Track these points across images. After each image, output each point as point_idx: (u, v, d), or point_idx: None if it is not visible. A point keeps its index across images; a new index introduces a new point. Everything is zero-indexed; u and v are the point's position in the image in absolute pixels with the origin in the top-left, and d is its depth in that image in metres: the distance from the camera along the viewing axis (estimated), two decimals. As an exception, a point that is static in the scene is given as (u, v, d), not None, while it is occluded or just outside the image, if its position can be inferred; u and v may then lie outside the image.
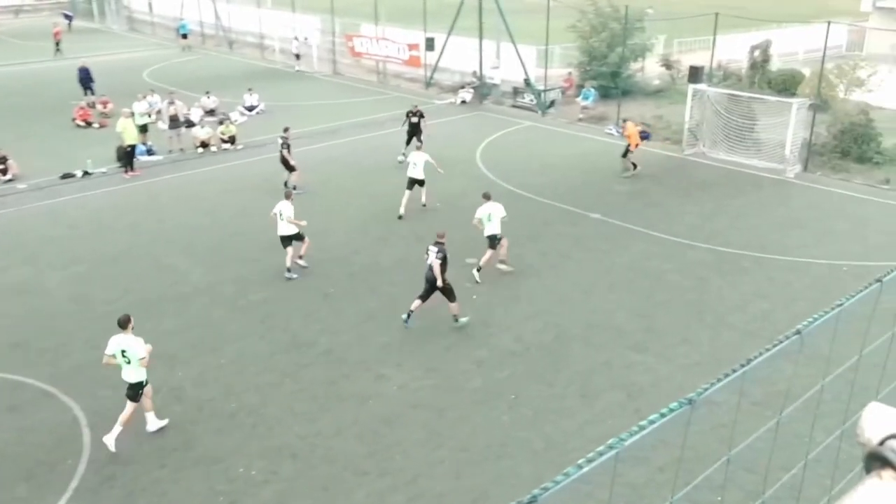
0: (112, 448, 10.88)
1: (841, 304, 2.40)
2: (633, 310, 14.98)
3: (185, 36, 45.42)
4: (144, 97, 27.15)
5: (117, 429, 10.93)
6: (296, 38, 39.23)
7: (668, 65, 33.78)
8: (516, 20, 31.77)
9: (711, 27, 26.43)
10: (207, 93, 30.43)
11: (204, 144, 25.62)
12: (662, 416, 1.89)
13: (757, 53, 30.34)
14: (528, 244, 18.00)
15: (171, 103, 26.00)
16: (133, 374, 10.92)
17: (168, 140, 25.41)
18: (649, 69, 34.13)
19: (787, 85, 29.24)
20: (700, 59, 29.06)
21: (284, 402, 12.17)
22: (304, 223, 16.22)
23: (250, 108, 30.56)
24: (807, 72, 29.98)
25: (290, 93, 34.18)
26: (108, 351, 10.81)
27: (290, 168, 21.40)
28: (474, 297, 15.47)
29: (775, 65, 31.47)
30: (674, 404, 1.93)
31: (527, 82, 31.15)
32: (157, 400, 11.90)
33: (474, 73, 33.19)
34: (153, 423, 11.38)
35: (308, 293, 15.72)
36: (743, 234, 18.66)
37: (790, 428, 9.34)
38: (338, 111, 30.69)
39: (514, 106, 31.50)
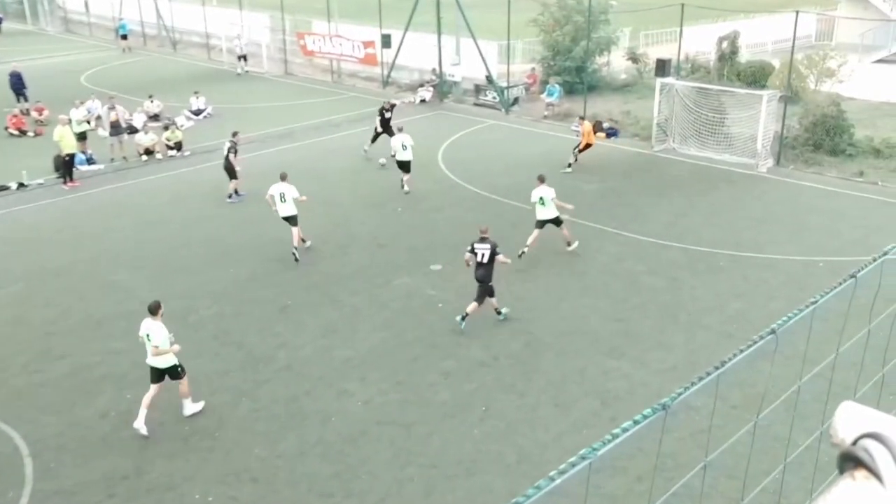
0: (200, 407, 12.22)
1: (815, 302, 2.45)
2: (606, 314, 15.11)
3: (124, 37, 44.85)
4: (83, 103, 26.76)
5: (186, 401, 12.10)
6: (238, 38, 38.99)
7: (634, 58, 34.18)
8: (476, 14, 31.93)
9: (678, 19, 26.82)
10: (151, 97, 30.09)
11: (148, 152, 25.32)
12: (636, 423, 1.91)
13: (725, 45, 30.87)
14: (494, 248, 18.04)
15: (112, 109, 25.65)
16: (158, 359, 11.82)
17: (109, 148, 25.07)
18: (615, 63, 34.50)
19: (756, 77, 29.81)
20: (667, 51, 29.48)
21: (242, 423, 12.05)
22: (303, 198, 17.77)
23: (197, 112, 30.28)
24: (776, 63, 30.57)
25: (239, 95, 33.94)
26: (140, 332, 11.94)
27: (233, 175, 21.18)
28: (440, 305, 15.48)
29: (744, 56, 32.05)
30: (647, 410, 1.95)
31: (489, 79, 31.30)
32: (105, 424, 11.70)
33: (433, 70, 33.27)
34: (188, 407, 12.19)
35: (264, 306, 15.61)
36: (716, 231, 18.93)
37: (770, 431, 9.51)
38: (290, 113, 30.54)
39: (476, 104, 31.64)
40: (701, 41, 33.31)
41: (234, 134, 21.54)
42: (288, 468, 11.04)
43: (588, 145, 23.91)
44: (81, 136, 24.51)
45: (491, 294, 14.67)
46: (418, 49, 33.28)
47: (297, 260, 17.41)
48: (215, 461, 11.22)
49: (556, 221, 17.28)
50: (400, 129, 22.24)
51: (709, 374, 2.10)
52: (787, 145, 24.16)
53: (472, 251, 14.58)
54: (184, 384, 12.08)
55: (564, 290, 16.12)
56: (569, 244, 17.60)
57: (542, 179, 17.47)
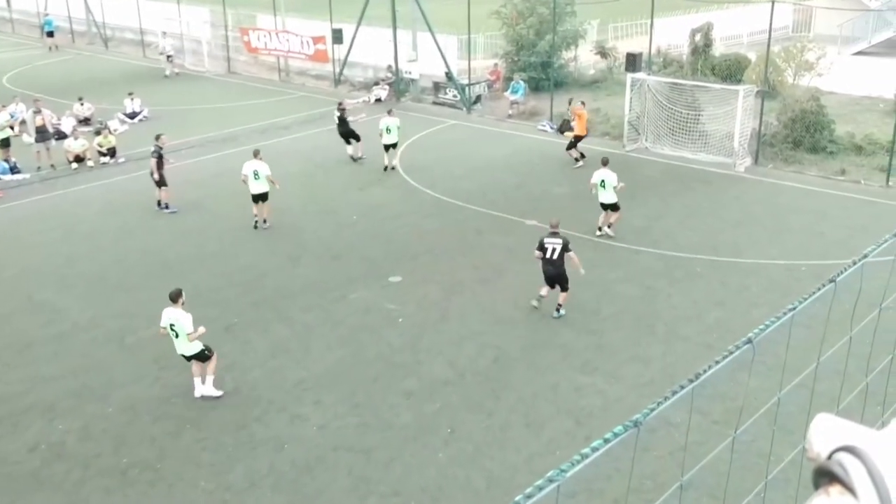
0: (218, 393, 13.05)
1: (794, 308, 2.49)
2: (578, 326, 15.20)
3: (50, 34, 44.25)
4: (5, 107, 26.40)
5: (209, 379, 13.00)
6: (163, 35, 38.73)
7: (603, 52, 34.56)
8: (433, 7, 32.06)
9: (648, 10, 27.19)
10: (80, 99, 29.74)
11: (78, 159, 24.98)
12: (606, 441, 1.92)
13: (698, 37, 31.34)
14: (457, 257, 18.11)
15: (38, 112, 25.25)
16: (186, 347, 12.83)
17: (35, 155, 24.70)
18: (583, 58, 34.86)
19: (731, 71, 30.30)
20: (638, 45, 29.85)
21: (186, 454, 11.90)
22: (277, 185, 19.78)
23: (132, 116, 29.97)
24: (752, 56, 31.11)
25: (178, 96, 33.65)
26: (162, 323, 12.88)
27: (161, 183, 20.91)
28: (400, 320, 15.47)
29: (718, 49, 32.58)
30: (618, 428, 1.96)
31: (448, 76, 31.41)
32: (34, 459, 11.48)
33: (389, 67, 33.31)
34: (210, 389, 13.06)
35: (207, 325, 15.37)
36: (693, 235, 19.17)
37: (754, 446, 9.64)
38: (234, 115, 30.36)
39: (435, 103, 31.73)
40: (673, 34, 33.82)
41: (158, 137, 21.27)
42: (237, 501, 10.92)
43: (579, 136, 24.29)
44: (4, 143, 24.18)
45: (564, 288, 15.19)
46: (372, 45, 33.31)
47: (255, 227, 19.76)
48: (157, 496, 11.05)
49: (614, 207, 18.57)
50: (389, 112, 24.21)
51: (683, 387, 2.11)
52: (765, 143, 24.57)
53: (542, 247, 15.01)
54: (212, 363, 13.06)
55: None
56: (600, 229, 18.92)
57: (605, 162, 18.86)
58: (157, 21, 40.62)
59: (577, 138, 24.48)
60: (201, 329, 12.86)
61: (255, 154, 19.90)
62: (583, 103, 25.41)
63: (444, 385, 13.43)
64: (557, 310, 15.32)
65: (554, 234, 15.06)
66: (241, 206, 21.34)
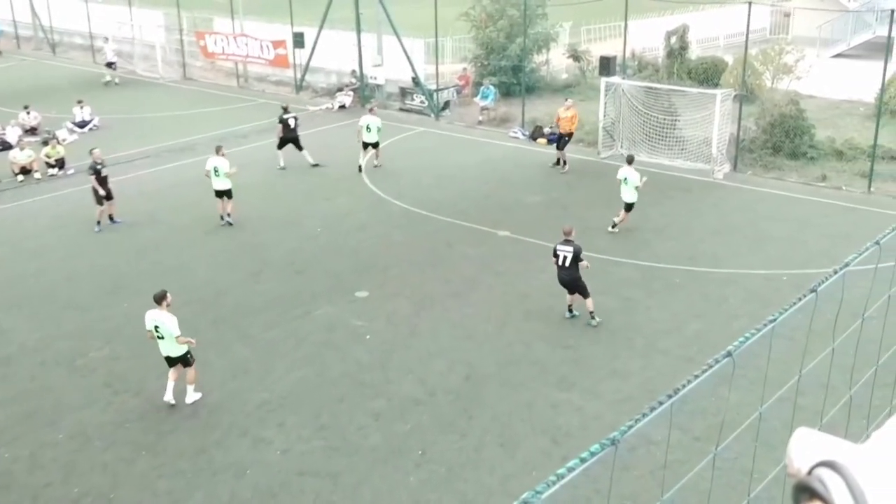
0: (197, 396, 13.49)
1: (774, 320, 2.52)
2: (554, 340, 15.25)
3: (-6, 39, 43.80)
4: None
5: (190, 388, 13.39)
6: (106, 39, 38.49)
7: (576, 56, 34.81)
8: (399, 9, 32.13)
9: (621, 12, 27.46)
10: (26, 107, 29.48)
11: (25, 171, 24.72)
12: (583, 460, 1.93)
13: (674, 40, 31.70)
14: (427, 270, 18.11)
15: (-19, 122, 24.98)
16: (172, 348, 13.17)
17: (-22, 167, 24.40)
18: (555, 61, 35.10)
19: (708, 74, 30.68)
20: (611, 48, 30.12)
21: (142, 481, 11.76)
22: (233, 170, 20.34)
23: (82, 125, 29.72)
24: (729, 59, 31.52)
25: (130, 104, 33.41)
26: (147, 326, 13.24)
27: (102, 198, 20.48)
28: (367, 336, 15.43)
29: (694, 52, 32.96)
30: (595, 446, 1.97)
31: (415, 81, 31.48)
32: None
33: (353, 72, 33.32)
34: (191, 395, 13.46)
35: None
36: (671, 245, 19.33)
37: (738, 463, 9.70)
38: (191, 123, 30.18)
39: (402, 109, 31.76)
40: (648, 36, 34.13)
41: (91, 151, 20.99)
42: (197, 531, 10.80)
43: (568, 134, 24.62)
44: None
45: (584, 295, 15.45)
46: (335, 49, 33.29)
47: (229, 224, 20.54)
48: (111, 527, 10.91)
49: (627, 206, 19.59)
50: (370, 110, 25.36)
51: (661, 403, 2.13)
52: (744, 148, 24.87)
53: (556, 254, 15.36)
54: (191, 371, 13.39)
55: (506, 315, 16.21)
56: (614, 225, 19.83)
57: (629, 161, 19.81)
58: (108, 25, 40.32)
59: (567, 136, 24.67)
60: (193, 341, 13.41)
61: (217, 150, 20.57)
62: (566, 99, 25.84)
63: (415, 404, 13.40)
64: (592, 317, 15.56)
65: (567, 242, 15.34)
66: (199, 218, 21.22)
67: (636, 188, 19.37)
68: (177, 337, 13.04)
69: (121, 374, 14.48)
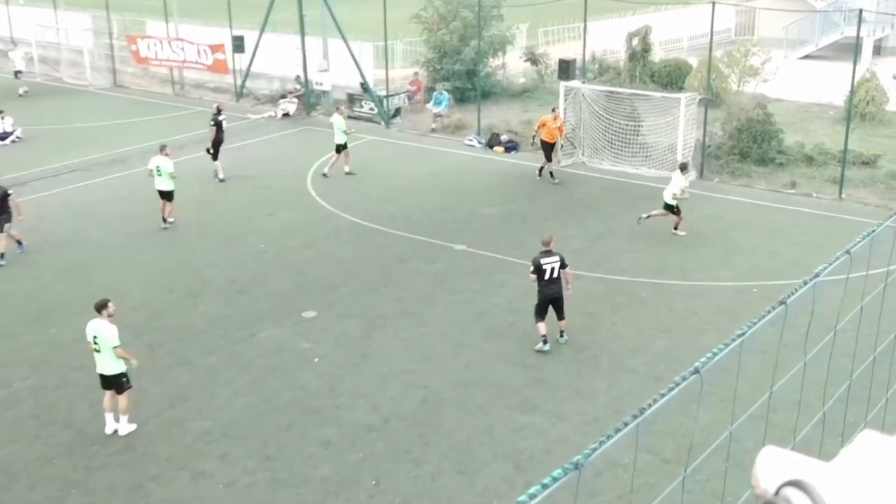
0: (132, 427, 13.25)
1: (743, 334, 2.55)
2: (515, 360, 15.28)
3: None
4: None
5: (123, 419, 13.16)
6: (14, 45, 38.07)
7: (533, 59, 35.09)
8: (346, 11, 32.19)
9: (580, 13, 27.72)
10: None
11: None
12: (545, 486, 1.92)
13: (635, 42, 32.11)
14: (379, 288, 18.07)
15: None
16: (107, 364, 13.02)
17: None
18: (512, 65, 35.34)
19: (672, 78, 31.12)
20: (571, 50, 30.38)
21: (72, 521, 11.56)
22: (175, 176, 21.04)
23: (3, 137, 29.36)
24: (693, 61, 32.00)
25: (57, 113, 32.98)
26: (87, 337, 13.15)
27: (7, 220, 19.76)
28: (316, 360, 15.35)
29: (657, 54, 33.40)
30: (557, 471, 1.97)
31: (364, 87, 31.48)
32: None
33: (297, 78, 33.24)
34: (125, 426, 13.23)
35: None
36: (636, 257, 19.51)
37: (709, 486, 9.79)
38: (122, 134, 29.87)
39: (350, 117, 31.64)
40: (608, 38, 34.55)
41: None
42: (133, 574, 10.63)
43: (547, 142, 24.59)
44: None
45: (562, 314, 15.43)
46: (278, 53, 33.21)
47: (166, 228, 21.10)
48: (38, 572, 10.69)
49: (673, 209, 20.43)
50: (337, 109, 26.37)
51: (626, 424, 2.14)
52: (710, 155, 25.21)
53: (538, 269, 15.15)
54: (124, 399, 13.15)
55: (464, 334, 16.22)
56: (676, 227, 20.68)
57: (682, 168, 20.94)
58: (30, 29, 39.81)
59: (552, 145, 24.74)
60: (134, 361, 13.27)
61: (162, 149, 21.18)
62: (553, 109, 25.47)
63: (367, 432, 13.35)
64: (562, 334, 15.59)
65: (548, 253, 15.29)
66: (132, 235, 21.00)
67: (674, 195, 20.28)
68: (115, 347, 12.92)
69: (48, 404, 14.22)
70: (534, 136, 25.33)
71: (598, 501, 10.88)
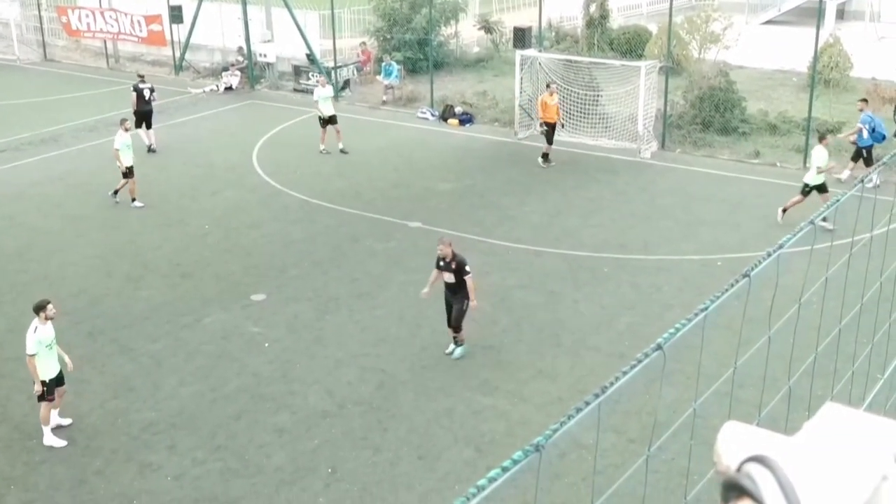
0: (62, 443, 12.81)
1: (705, 309, 2.60)
2: (473, 341, 15.36)
3: None
4: None
5: (46, 430, 12.78)
6: None
7: (487, 27, 35.08)
8: (290, -22, 31.85)
9: (536, -22, 27.73)
10: None
11: None
12: (505, 469, 1.96)
13: (593, 8, 32.23)
14: (330, 270, 18.05)
15: None
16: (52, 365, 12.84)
17: None
18: (465, 34, 35.28)
19: (631, 45, 31.30)
20: (526, 18, 30.42)
21: (12, 520, 11.48)
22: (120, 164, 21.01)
23: (-74, 115, 28.75)
24: (653, 28, 32.19)
25: (-18, 90, 32.38)
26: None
27: None
28: (266, 344, 15.32)
29: (616, 21, 33.54)
30: (518, 454, 2.01)
31: (310, 58, 31.29)
32: None
33: (240, 49, 32.94)
34: (49, 439, 12.83)
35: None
36: (598, 232, 19.66)
37: (675, 465, 9.95)
38: (55, 111, 29.45)
39: (296, 90, 31.53)
40: (565, 4, 34.57)
41: None
42: (78, 573, 10.59)
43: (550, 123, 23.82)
44: None
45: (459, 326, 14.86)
46: (219, 24, 32.87)
47: (114, 197, 21.46)
48: (-22, 574, 10.61)
49: (818, 188, 19.18)
50: (319, 83, 26.27)
51: (588, 403, 2.19)
52: (671, 125, 25.44)
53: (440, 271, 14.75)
54: (44, 411, 12.76)
55: (420, 315, 16.26)
56: (824, 219, 19.25)
57: (820, 138, 19.62)
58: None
59: (552, 127, 24.02)
60: (37, 387, 12.67)
61: (121, 122, 21.43)
62: (547, 85, 24.65)
63: (322, 418, 13.37)
64: (456, 343, 15.07)
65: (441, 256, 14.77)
66: (68, 218, 20.75)
67: (818, 169, 19.15)
68: (27, 355, 12.66)
69: (-17, 399, 14.07)
70: (541, 124, 24.32)
71: (562, 484, 11.01)
